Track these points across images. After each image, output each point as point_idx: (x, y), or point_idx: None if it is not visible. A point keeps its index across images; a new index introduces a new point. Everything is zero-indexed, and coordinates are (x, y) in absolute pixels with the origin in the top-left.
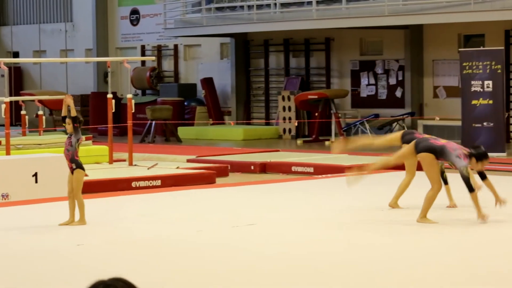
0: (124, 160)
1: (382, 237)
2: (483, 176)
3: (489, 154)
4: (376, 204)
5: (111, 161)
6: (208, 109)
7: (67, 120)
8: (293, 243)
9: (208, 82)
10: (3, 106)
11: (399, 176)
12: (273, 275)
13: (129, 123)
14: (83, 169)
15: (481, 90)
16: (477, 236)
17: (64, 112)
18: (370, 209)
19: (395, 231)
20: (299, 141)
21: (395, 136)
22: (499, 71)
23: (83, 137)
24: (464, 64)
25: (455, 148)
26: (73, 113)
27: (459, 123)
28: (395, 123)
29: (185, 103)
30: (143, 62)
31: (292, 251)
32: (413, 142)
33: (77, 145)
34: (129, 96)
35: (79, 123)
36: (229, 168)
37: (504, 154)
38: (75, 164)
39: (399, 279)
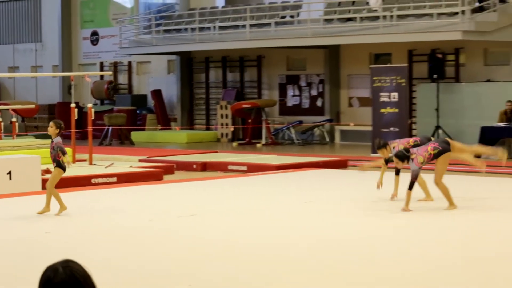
0: (85, 160)
1: (295, 222)
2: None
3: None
4: (299, 198)
5: (74, 161)
6: (157, 116)
7: (50, 123)
8: (230, 229)
9: (157, 94)
10: None
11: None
12: (211, 256)
13: (89, 128)
14: (62, 168)
15: (388, 100)
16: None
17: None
18: (294, 202)
19: (309, 219)
20: (234, 144)
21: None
22: (403, 84)
23: (60, 140)
24: (374, 78)
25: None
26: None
27: (370, 128)
28: (316, 128)
29: (137, 111)
30: (101, 76)
31: (229, 237)
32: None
33: (58, 148)
34: (90, 105)
35: (60, 128)
36: (175, 167)
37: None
38: (56, 163)
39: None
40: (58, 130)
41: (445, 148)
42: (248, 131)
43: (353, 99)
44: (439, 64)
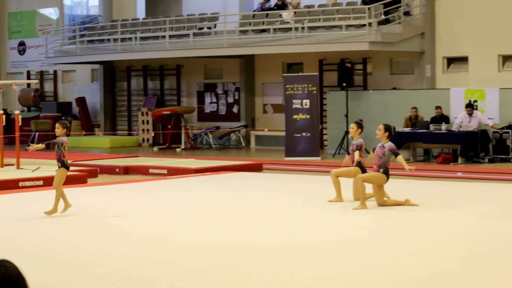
0: (13, 165)
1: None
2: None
3: (307, 158)
4: (216, 200)
5: (2, 165)
6: (81, 122)
7: (57, 124)
8: (152, 229)
9: (81, 101)
10: None
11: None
12: (132, 253)
13: (17, 134)
14: (66, 168)
15: (301, 107)
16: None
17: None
18: (211, 204)
19: (231, 219)
20: (155, 148)
21: None
22: (314, 92)
23: (66, 140)
24: (287, 86)
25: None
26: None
27: (283, 133)
28: (233, 133)
29: (63, 118)
30: (28, 85)
31: (148, 237)
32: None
33: (63, 147)
34: (17, 112)
35: (66, 128)
36: (98, 170)
37: (318, 158)
38: (60, 163)
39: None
40: (65, 130)
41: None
42: (168, 136)
43: (267, 106)
44: (348, 73)
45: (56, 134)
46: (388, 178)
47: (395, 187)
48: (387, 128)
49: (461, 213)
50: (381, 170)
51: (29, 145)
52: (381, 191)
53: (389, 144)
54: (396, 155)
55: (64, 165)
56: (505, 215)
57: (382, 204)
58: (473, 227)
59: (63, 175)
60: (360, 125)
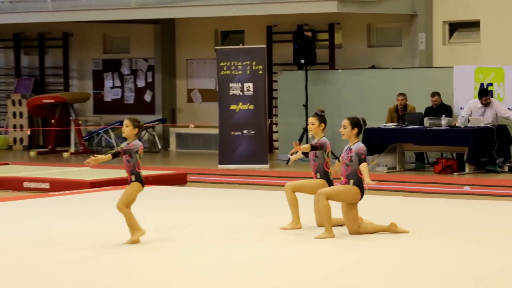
0: None
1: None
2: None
3: (250, 166)
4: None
5: None
6: None
7: (126, 121)
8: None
9: None
10: None
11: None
12: None
13: None
14: (141, 183)
15: (241, 93)
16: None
17: None
18: (109, 233)
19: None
20: (32, 153)
21: None
22: (260, 72)
23: (141, 145)
24: (222, 64)
25: None
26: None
27: (216, 131)
28: (145, 131)
29: None
30: None
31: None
32: None
33: (138, 155)
34: None
35: (139, 128)
36: None
37: (266, 166)
38: (134, 176)
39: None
40: (137, 130)
41: None
42: (51, 135)
43: (193, 92)
44: (308, 45)
45: (125, 135)
46: (362, 193)
47: (375, 206)
48: (355, 122)
49: (467, 245)
50: (351, 181)
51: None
52: (353, 212)
53: (357, 146)
54: (361, 161)
55: (138, 178)
56: None
57: (355, 231)
58: (483, 265)
59: (135, 192)
60: (322, 118)
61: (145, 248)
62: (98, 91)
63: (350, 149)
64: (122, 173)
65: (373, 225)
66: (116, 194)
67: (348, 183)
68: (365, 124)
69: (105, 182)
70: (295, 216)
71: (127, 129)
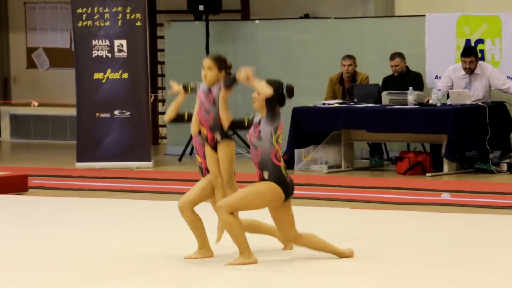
0: None
1: None
2: None
3: (124, 164)
4: None
5: None
6: None
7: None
8: None
9: None
10: None
11: None
12: None
13: None
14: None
15: (109, 55)
16: None
17: None
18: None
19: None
20: None
21: None
22: (138, 23)
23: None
24: (79, 11)
25: None
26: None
27: (73, 111)
28: None
29: None
30: None
31: None
32: None
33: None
34: None
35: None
36: None
37: (149, 164)
38: (222, 135)
39: None
40: (223, 71)
41: None
42: None
43: (36, 52)
44: None
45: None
46: (287, 187)
47: (309, 223)
48: (275, 88)
49: (443, 275)
50: (266, 174)
51: None
52: (284, 212)
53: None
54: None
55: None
56: None
57: (292, 239)
58: None
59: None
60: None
61: None
62: None
63: (259, 123)
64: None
65: (324, 242)
66: None
67: (262, 177)
68: (290, 93)
69: None
70: (199, 237)
71: (211, 73)
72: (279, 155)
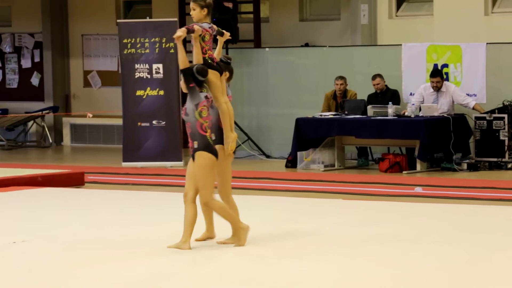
0: None
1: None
2: None
3: (161, 164)
4: (5, 237)
5: None
6: None
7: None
8: None
9: None
10: None
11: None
12: None
13: None
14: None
15: (149, 76)
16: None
17: None
18: None
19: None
20: None
21: None
22: (171, 50)
23: None
24: (125, 41)
25: None
26: None
27: (119, 122)
28: (32, 121)
29: None
30: None
31: None
32: None
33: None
34: None
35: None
36: None
37: (181, 163)
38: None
39: None
40: (206, 10)
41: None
42: None
43: (91, 74)
44: (228, 18)
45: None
46: (213, 150)
47: (309, 211)
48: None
49: (416, 259)
50: (196, 143)
51: None
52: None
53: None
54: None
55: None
56: (497, 263)
57: (205, 201)
58: None
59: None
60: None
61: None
62: None
63: (184, 102)
64: (6, 172)
65: (232, 214)
66: None
67: (193, 146)
68: (200, 73)
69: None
70: (208, 224)
71: (195, 12)
72: (204, 126)
